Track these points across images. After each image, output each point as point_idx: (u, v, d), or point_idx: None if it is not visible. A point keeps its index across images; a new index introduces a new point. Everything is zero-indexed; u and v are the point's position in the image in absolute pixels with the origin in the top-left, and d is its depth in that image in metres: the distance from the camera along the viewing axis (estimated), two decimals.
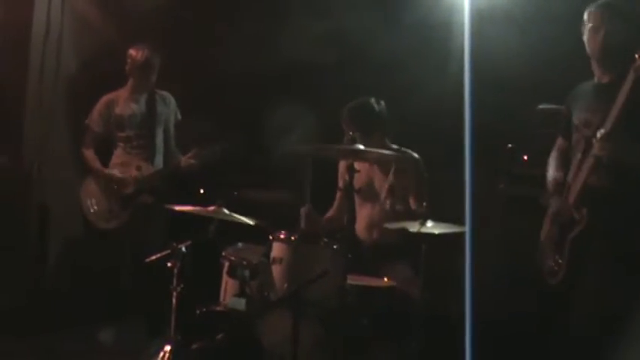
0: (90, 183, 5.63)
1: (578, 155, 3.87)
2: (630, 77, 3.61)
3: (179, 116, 5.75)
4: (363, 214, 4.80)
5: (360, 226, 4.81)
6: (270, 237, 4.13)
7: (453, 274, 4.44)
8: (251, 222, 4.40)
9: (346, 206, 4.34)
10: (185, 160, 5.47)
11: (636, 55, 3.58)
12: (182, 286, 4.24)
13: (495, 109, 4.84)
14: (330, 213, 4.99)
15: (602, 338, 3.70)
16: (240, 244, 4.48)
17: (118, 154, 5.61)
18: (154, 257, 4.38)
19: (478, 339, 4.23)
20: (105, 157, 5.64)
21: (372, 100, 4.75)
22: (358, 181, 4.54)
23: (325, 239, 4.17)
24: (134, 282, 5.50)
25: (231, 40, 5.85)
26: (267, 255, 4.10)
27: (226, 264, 4.28)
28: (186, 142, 5.62)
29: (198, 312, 4.24)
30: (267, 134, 5.60)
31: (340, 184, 4.88)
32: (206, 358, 4.17)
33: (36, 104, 5.78)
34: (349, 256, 4.00)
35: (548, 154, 4.16)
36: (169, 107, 5.70)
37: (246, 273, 4.15)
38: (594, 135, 3.74)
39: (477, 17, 4.78)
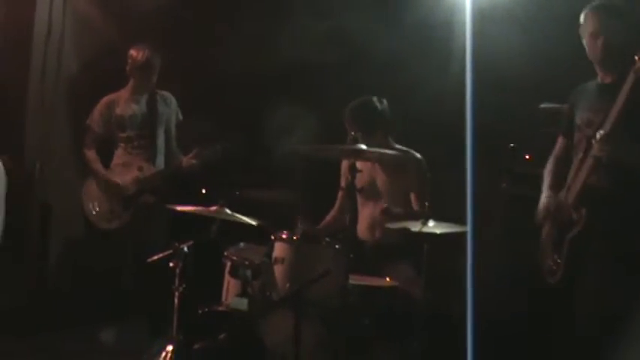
0: (91, 183, 5.62)
1: (579, 155, 3.87)
2: (630, 79, 3.61)
3: (180, 116, 5.75)
4: (365, 213, 4.79)
5: (362, 226, 4.80)
6: (272, 237, 4.13)
7: (454, 273, 4.44)
8: (253, 222, 4.40)
9: (348, 206, 4.34)
10: (186, 160, 5.47)
11: (636, 57, 3.58)
12: (184, 286, 4.24)
13: (497, 109, 4.84)
14: (332, 213, 4.99)
15: (602, 338, 3.70)
16: (242, 244, 4.48)
17: (119, 155, 5.60)
18: (156, 257, 4.38)
19: (480, 339, 4.23)
20: (106, 158, 5.65)
21: (375, 98, 4.75)
22: (360, 180, 4.53)
23: (327, 239, 4.17)
24: (136, 282, 5.50)
25: (232, 40, 5.84)
26: (269, 255, 4.10)
27: (228, 264, 4.28)
28: (187, 142, 5.62)
29: (200, 312, 4.25)
30: (268, 134, 5.60)
31: (342, 183, 4.87)
32: (208, 358, 4.17)
33: (37, 104, 5.77)
34: (351, 255, 4.00)
35: (550, 153, 4.16)
36: (170, 107, 5.70)
37: (248, 273, 4.15)
38: (594, 135, 3.73)
39: (479, 16, 4.78)
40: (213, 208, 4.35)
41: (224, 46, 5.84)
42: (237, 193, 4.72)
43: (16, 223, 5.71)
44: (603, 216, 3.76)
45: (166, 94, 5.70)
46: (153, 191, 5.51)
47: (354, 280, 4.04)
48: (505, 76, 4.87)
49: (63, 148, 5.94)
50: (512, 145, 4.69)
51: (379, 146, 4.42)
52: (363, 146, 4.06)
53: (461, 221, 4.24)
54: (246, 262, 4.19)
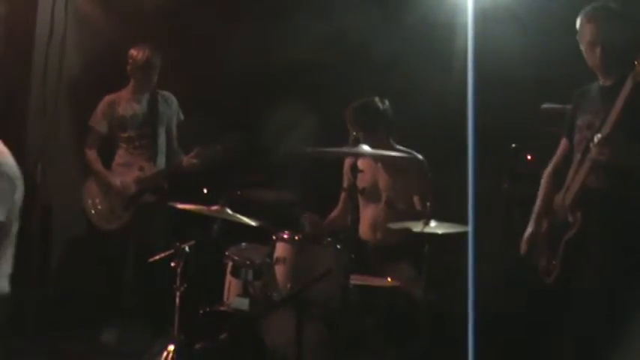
0: (92, 184, 5.63)
1: (578, 156, 3.87)
2: (629, 84, 3.61)
3: (181, 116, 5.75)
4: (367, 214, 4.80)
5: (364, 226, 4.81)
6: (274, 237, 4.13)
7: (456, 274, 4.43)
8: (253, 223, 4.40)
9: (350, 206, 4.35)
10: (187, 159, 5.47)
11: (635, 62, 3.58)
12: (185, 285, 4.25)
13: (499, 109, 4.84)
14: (334, 213, 4.99)
15: (600, 339, 3.70)
16: (243, 244, 4.48)
17: (121, 155, 5.61)
18: (157, 257, 4.39)
19: (481, 339, 4.23)
20: (108, 158, 5.64)
21: (377, 99, 4.75)
22: (362, 181, 4.54)
23: (328, 239, 4.17)
24: (137, 282, 5.50)
25: (232, 40, 5.84)
26: (270, 255, 4.10)
27: (230, 264, 4.28)
28: (188, 142, 5.62)
29: (201, 312, 4.25)
30: (268, 134, 5.59)
31: (345, 184, 4.88)
32: (209, 357, 4.18)
33: (39, 105, 5.76)
34: (352, 256, 4.00)
35: (552, 153, 4.16)
36: (171, 107, 5.70)
37: (250, 273, 4.15)
38: (593, 138, 3.73)
39: (481, 17, 4.77)
40: (215, 207, 4.35)
41: (224, 46, 5.84)
42: (239, 192, 4.72)
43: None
44: (600, 217, 3.77)
45: (167, 93, 5.70)
46: (154, 191, 5.52)
47: (356, 280, 4.05)
48: (507, 76, 4.87)
49: (64, 148, 5.93)
50: (513, 145, 4.67)
51: (381, 147, 4.42)
52: (365, 147, 4.06)
53: (462, 221, 4.23)
54: (248, 262, 4.19)
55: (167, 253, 4.32)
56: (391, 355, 4.26)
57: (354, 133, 4.27)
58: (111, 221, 5.54)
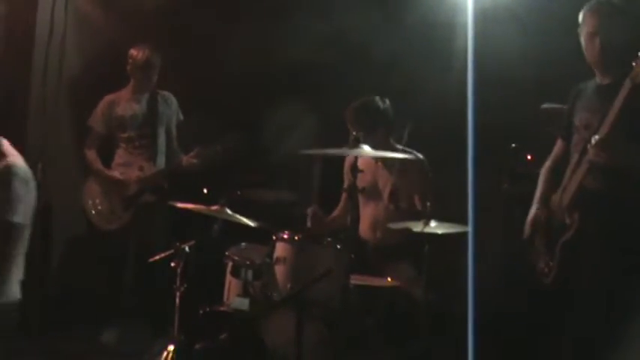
0: (92, 184, 5.63)
1: (575, 157, 3.87)
2: (626, 85, 3.59)
3: (181, 117, 5.75)
4: (367, 213, 4.80)
5: (364, 226, 4.81)
6: (274, 237, 4.13)
7: (456, 273, 4.44)
8: (252, 224, 4.39)
9: (350, 206, 4.35)
10: (187, 159, 5.46)
11: (633, 63, 3.57)
12: (185, 285, 4.25)
13: (499, 109, 4.84)
14: (335, 213, 4.99)
15: (598, 339, 3.71)
16: (243, 244, 4.48)
17: (121, 155, 5.61)
18: (157, 257, 4.39)
19: (481, 338, 4.23)
20: (107, 158, 5.64)
21: (377, 98, 4.75)
22: (363, 180, 4.54)
23: (328, 239, 4.17)
24: (137, 282, 5.50)
25: (232, 40, 5.84)
26: (270, 255, 4.10)
27: (230, 264, 4.29)
28: (188, 141, 5.61)
29: (201, 312, 4.25)
30: (268, 134, 5.60)
31: (345, 184, 4.87)
32: (209, 358, 4.17)
33: (39, 105, 5.77)
34: (352, 256, 4.00)
35: (551, 153, 4.16)
36: (171, 108, 5.71)
37: (250, 273, 4.15)
38: (590, 140, 3.73)
39: (481, 17, 4.77)
40: (214, 207, 4.35)
41: (224, 46, 5.84)
42: (238, 192, 4.72)
43: None
44: (597, 219, 3.77)
45: (167, 93, 5.70)
46: (154, 191, 5.52)
47: (356, 280, 4.05)
48: (507, 76, 4.87)
49: (64, 148, 5.93)
50: (513, 145, 4.68)
51: (381, 146, 4.42)
52: (365, 147, 4.05)
53: (462, 221, 4.23)
54: (248, 262, 4.19)
55: (167, 253, 4.32)
56: (391, 355, 4.26)
57: (354, 133, 4.26)
58: (111, 221, 5.54)
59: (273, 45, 5.74)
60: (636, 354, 3.64)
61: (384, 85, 5.02)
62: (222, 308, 4.24)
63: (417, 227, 4.09)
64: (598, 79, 3.91)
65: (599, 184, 3.76)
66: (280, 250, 4.07)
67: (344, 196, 4.92)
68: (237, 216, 4.35)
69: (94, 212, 5.58)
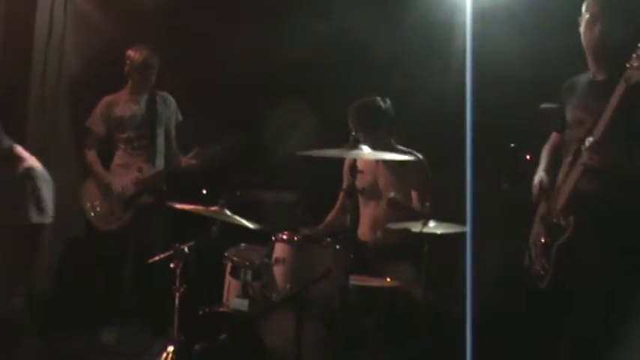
0: (91, 185, 5.63)
1: (569, 157, 3.87)
2: (620, 87, 3.59)
3: (180, 117, 5.75)
4: (367, 214, 4.80)
5: (364, 227, 4.81)
6: (273, 237, 4.13)
7: (455, 273, 4.44)
8: (251, 225, 4.40)
9: (349, 206, 4.35)
10: (186, 160, 5.46)
11: (627, 65, 3.57)
12: (185, 286, 4.25)
13: (497, 109, 4.84)
14: (333, 213, 4.99)
15: (597, 340, 3.71)
16: (242, 245, 4.49)
17: (120, 156, 5.60)
18: (156, 258, 4.39)
19: (480, 339, 4.23)
20: (107, 159, 5.64)
21: (378, 98, 4.75)
22: (362, 181, 4.54)
23: (328, 239, 4.17)
24: (137, 282, 5.50)
25: (232, 40, 5.84)
26: (269, 255, 4.10)
27: (229, 265, 4.29)
28: (187, 142, 5.61)
29: (200, 313, 4.25)
30: (268, 134, 5.60)
31: (344, 184, 4.87)
32: (209, 358, 4.17)
33: (38, 105, 5.78)
34: (352, 256, 4.00)
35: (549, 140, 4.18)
36: (170, 108, 5.70)
37: (249, 274, 4.16)
38: (584, 141, 3.72)
39: (479, 17, 4.77)
40: (214, 208, 4.36)
41: (224, 46, 5.84)
42: (238, 193, 4.72)
43: None
44: (592, 221, 3.76)
45: (165, 94, 5.70)
46: (153, 192, 5.51)
47: (355, 280, 4.05)
48: (505, 76, 4.87)
49: (64, 148, 5.93)
50: (512, 145, 4.67)
51: (381, 146, 4.42)
52: (365, 147, 4.05)
53: (461, 221, 4.24)
54: (247, 263, 4.19)
55: (166, 253, 4.32)
56: (391, 355, 4.26)
57: (354, 134, 4.26)
58: (110, 222, 5.54)
59: (273, 45, 5.74)
60: (633, 354, 3.64)
61: (383, 85, 5.02)
62: (221, 309, 4.24)
63: (416, 227, 4.09)
64: (591, 75, 3.90)
65: (593, 186, 3.76)
66: (279, 250, 4.07)
67: (341, 195, 4.92)
68: (236, 217, 4.35)
69: (93, 213, 5.58)
